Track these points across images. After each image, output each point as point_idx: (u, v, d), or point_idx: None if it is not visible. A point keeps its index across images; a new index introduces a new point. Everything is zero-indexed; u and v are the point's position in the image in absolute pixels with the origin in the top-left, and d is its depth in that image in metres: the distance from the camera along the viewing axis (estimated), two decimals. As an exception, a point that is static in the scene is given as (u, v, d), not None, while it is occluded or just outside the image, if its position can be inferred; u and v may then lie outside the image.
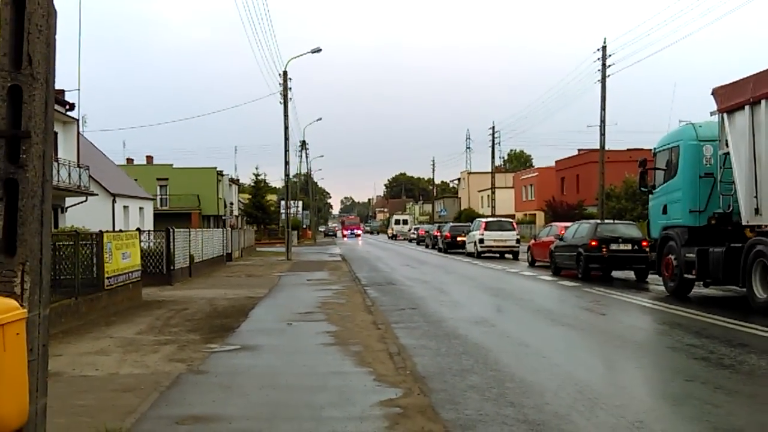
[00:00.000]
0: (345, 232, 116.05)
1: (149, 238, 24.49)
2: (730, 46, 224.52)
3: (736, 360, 9.63)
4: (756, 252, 14.50)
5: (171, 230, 24.26)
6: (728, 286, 16.58)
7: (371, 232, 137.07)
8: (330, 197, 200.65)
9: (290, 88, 43.87)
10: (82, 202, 34.61)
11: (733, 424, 6.72)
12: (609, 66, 42.16)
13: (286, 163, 44.74)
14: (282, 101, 43.52)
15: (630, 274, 23.57)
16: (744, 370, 9.05)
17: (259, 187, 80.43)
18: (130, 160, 68.53)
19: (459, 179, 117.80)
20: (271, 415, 7.22)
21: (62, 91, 33.89)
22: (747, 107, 14.89)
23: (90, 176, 35.89)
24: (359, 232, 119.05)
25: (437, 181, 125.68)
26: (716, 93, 16.20)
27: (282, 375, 9.15)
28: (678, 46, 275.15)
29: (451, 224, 54.38)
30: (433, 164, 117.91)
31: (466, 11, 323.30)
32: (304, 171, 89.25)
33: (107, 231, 17.97)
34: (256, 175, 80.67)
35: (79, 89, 23.76)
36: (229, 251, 38.29)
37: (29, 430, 4.94)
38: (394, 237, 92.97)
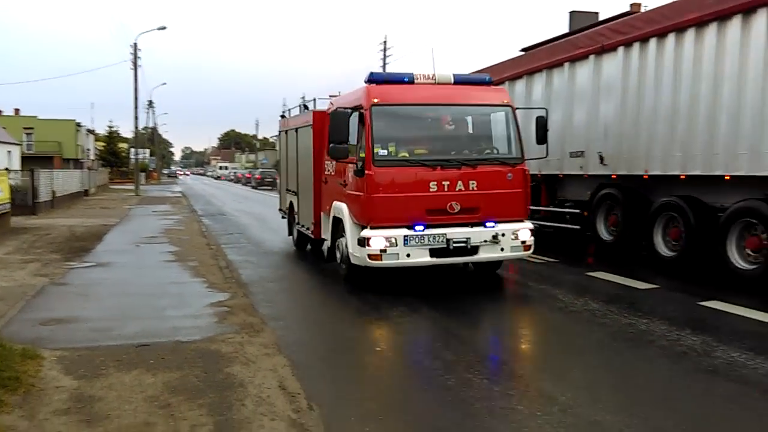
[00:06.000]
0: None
1: (17, 177, 21.99)
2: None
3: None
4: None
5: (35, 170, 22.28)
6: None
7: (213, 177, 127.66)
8: (173, 146, 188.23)
9: (140, 57, 40.80)
10: (-49, 145, 30.40)
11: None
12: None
13: (136, 117, 43.14)
14: (132, 68, 40.44)
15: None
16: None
17: (112, 136, 75.61)
18: (-1, 112, 60.75)
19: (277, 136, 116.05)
20: (121, 315, 6.84)
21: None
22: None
23: (-41, 123, 31.52)
24: None
25: (260, 137, 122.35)
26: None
27: (130, 285, 8.65)
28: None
29: (260, 170, 60.23)
30: (257, 124, 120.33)
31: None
32: (151, 125, 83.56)
33: (-25, 169, 15.93)
34: (110, 127, 75.72)
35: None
36: (87, 188, 35.21)
37: None
38: (218, 178, 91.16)
